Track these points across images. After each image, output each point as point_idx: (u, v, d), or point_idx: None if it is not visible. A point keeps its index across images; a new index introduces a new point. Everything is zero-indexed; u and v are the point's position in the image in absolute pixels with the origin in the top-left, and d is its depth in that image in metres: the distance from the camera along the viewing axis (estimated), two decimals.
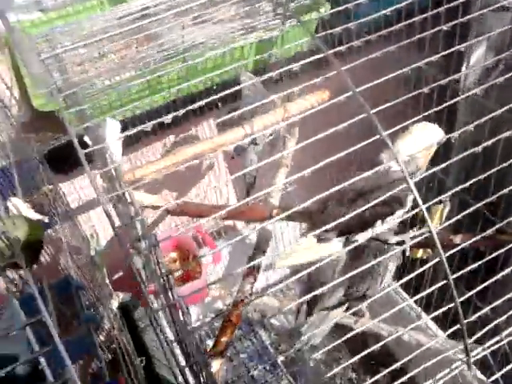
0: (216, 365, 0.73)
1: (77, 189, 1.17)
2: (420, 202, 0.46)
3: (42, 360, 0.38)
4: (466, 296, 0.47)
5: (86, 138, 0.68)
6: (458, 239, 0.69)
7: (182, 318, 0.42)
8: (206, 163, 1.26)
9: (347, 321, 0.97)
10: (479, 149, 0.50)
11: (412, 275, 0.53)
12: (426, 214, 0.46)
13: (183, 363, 0.48)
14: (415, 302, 1.03)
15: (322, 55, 0.52)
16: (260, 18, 0.98)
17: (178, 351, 0.50)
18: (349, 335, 0.54)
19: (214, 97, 0.75)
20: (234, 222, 1.28)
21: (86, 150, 0.47)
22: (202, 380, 0.56)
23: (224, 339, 0.76)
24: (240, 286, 0.83)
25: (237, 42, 0.96)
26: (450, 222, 0.51)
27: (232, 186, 1.35)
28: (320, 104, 0.55)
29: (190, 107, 0.63)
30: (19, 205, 0.52)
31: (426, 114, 0.59)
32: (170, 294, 0.45)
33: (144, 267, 0.76)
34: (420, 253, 0.89)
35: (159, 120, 0.58)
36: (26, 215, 0.51)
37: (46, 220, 0.57)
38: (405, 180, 0.45)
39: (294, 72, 0.99)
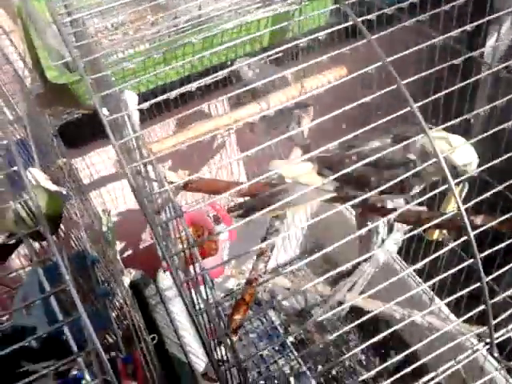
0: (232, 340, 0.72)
1: (88, 165, 1.16)
2: (451, 181, 0.45)
3: (66, 329, 0.38)
4: (496, 274, 0.45)
5: (104, 110, 0.66)
6: (479, 220, 0.67)
7: (206, 291, 0.42)
8: (218, 141, 1.25)
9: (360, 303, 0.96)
10: (510, 125, 0.48)
11: (434, 256, 0.52)
12: (455, 192, 0.45)
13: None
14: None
15: (349, 24, 0.50)
16: None
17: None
18: (362, 319, 0.53)
19: (227, 70, 0.73)
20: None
21: (111, 117, 0.45)
22: (223, 353, 0.56)
23: (237, 317, 0.76)
24: (254, 265, 0.82)
25: (253, 16, 0.94)
26: (472, 203, 0.50)
27: (243, 164, 1.34)
28: (338, 80, 0.53)
29: (203, 80, 0.62)
30: (38, 176, 0.51)
31: (450, 90, 0.57)
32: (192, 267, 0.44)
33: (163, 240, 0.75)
34: (436, 234, 0.87)
35: (174, 92, 0.56)
36: (45, 186, 0.49)
37: (64, 192, 0.56)
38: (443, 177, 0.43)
39: (311, 46, 0.98)
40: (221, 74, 0.75)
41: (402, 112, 0.45)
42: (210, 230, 0.78)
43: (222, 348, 0.68)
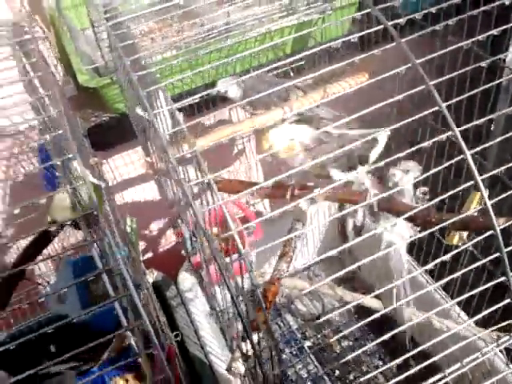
0: (256, 337, 0.73)
1: (112, 168, 1.19)
2: (477, 175, 0.46)
3: (117, 306, 0.40)
4: None
5: (138, 110, 0.69)
6: (501, 221, 0.68)
7: (248, 276, 0.43)
8: (237, 147, 1.27)
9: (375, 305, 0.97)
10: None
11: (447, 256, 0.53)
12: (482, 187, 0.46)
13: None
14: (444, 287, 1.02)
15: (379, 27, 0.52)
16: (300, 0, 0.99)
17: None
18: (374, 316, 0.54)
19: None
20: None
21: (158, 111, 0.47)
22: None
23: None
24: (276, 265, 0.84)
25: (276, 24, 0.97)
26: (496, 199, 0.51)
27: (261, 169, 1.36)
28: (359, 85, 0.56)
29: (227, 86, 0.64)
30: (80, 168, 0.53)
31: (472, 93, 0.59)
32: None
33: (191, 237, 0.78)
34: (456, 239, 0.88)
35: (195, 96, 0.59)
36: (86, 179, 0.52)
37: (103, 185, 0.58)
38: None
39: (331, 54, 1.00)
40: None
41: (430, 111, 0.47)
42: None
43: (248, 343, 0.70)
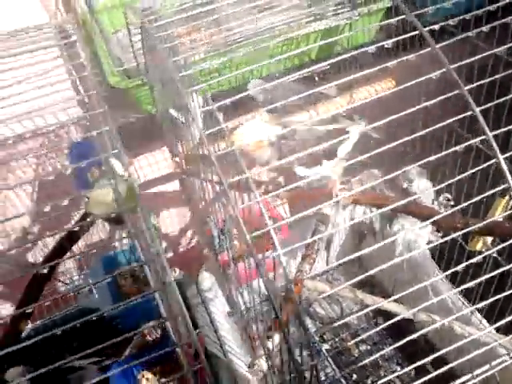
0: (278, 337, 0.74)
1: (136, 168, 1.21)
2: (510, 178, 0.47)
3: (157, 296, 0.41)
4: None
5: (172, 110, 0.71)
6: None
7: (281, 271, 0.45)
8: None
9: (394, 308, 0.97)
10: None
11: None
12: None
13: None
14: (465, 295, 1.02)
15: (414, 33, 0.53)
16: (328, 6, 1.00)
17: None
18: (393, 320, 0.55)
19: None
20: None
21: (206, 108, 0.49)
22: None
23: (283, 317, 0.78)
24: (299, 266, 0.85)
25: (304, 29, 0.98)
26: None
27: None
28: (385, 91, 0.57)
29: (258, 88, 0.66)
30: (116, 165, 0.55)
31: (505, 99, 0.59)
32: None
33: (219, 235, 0.79)
34: (479, 245, 0.89)
35: (236, 97, 0.60)
36: (123, 176, 0.54)
37: (138, 183, 0.60)
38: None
39: (358, 60, 1.01)
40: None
41: (463, 115, 0.48)
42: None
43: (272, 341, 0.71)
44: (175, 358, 0.56)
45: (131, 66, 1.03)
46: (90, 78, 0.66)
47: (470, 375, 0.54)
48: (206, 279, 1.15)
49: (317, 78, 1.12)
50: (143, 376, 0.67)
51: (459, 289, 0.96)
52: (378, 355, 1.15)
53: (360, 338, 0.99)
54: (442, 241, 0.70)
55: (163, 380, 0.73)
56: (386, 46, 0.58)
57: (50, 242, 1.10)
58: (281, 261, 0.44)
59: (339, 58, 0.66)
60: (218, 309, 1.12)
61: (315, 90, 0.67)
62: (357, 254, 0.58)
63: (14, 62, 0.77)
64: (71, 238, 0.70)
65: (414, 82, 0.60)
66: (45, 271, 0.69)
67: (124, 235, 1.11)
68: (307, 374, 0.56)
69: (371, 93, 0.91)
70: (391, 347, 0.67)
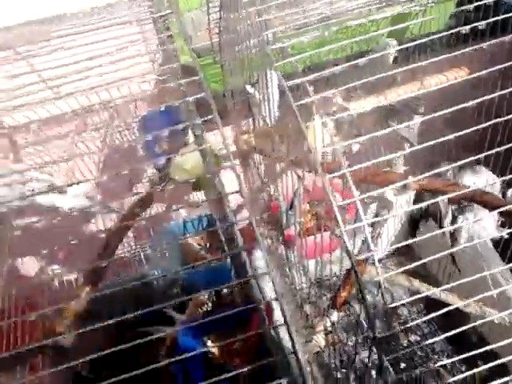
0: (337, 315, 0.76)
1: None
2: None
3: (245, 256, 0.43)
4: None
5: (248, 87, 0.73)
6: None
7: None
8: None
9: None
10: None
11: None
12: None
13: None
14: None
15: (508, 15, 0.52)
16: None
17: None
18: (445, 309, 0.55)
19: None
20: None
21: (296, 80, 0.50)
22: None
23: (344, 294, 0.79)
24: (359, 249, 0.85)
25: (374, 15, 0.98)
26: None
27: None
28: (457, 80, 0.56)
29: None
30: (199, 134, 0.57)
31: None
32: None
33: (287, 211, 0.81)
34: None
35: (325, 71, 0.61)
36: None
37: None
38: None
39: (430, 47, 1.00)
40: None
41: None
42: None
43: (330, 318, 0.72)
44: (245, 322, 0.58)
45: (201, 45, 1.06)
46: (170, 53, 0.68)
47: None
48: (260, 257, 1.17)
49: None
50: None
51: None
52: (427, 342, 1.15)
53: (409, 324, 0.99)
54: (508, 231, 0.69)
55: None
56: (462, 32, 0.57)
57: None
58: (360, 229, 0.45)
59: (411, 43, 0.66)
60: (269, 286, 1.14)
61: (393, 72, 0.67)
62: (413, 240, 0.59)
63: (100, 34, 0.80)
64: (143, 203, 0.73)
65: (488, 70, 0.58)
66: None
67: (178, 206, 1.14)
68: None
69: (442, 81, 0.90)
70: (440, 337, 0.66)
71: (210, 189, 0.56)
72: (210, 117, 0.54)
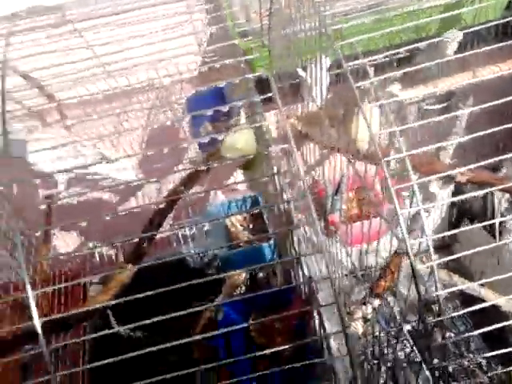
0: (376, 303, 0.75)
1: None
2: None
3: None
4: None
5: (300, 70, 0.73)
6: None
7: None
8: None
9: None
10: None
11: None
12: None
13: None
14: None
15: None
16: None
17: None
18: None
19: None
20: None
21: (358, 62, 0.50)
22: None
23: (383, 283, 0.79)
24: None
25: (425, 3, 0.96)
26: None
27: None
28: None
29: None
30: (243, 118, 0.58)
31: None
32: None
33: (333, 196, 0.81)
34: None
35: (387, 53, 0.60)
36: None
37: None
38: None
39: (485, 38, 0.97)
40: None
41: None
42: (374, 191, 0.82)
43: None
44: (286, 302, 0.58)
45: (250, 28, 1.06)
46: (220, 34, 0.68)
47: None
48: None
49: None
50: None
51: None
52: (458, 337, 1.13)
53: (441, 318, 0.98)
54: None
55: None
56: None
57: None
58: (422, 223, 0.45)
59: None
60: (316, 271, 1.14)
61: (446, 59, 0.65)
62: (456, 231, 0.58)
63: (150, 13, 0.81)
64: (192, 179, 0.74)
65: None
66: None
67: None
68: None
69: (495, 71, 0.88)
70: (474, 332, 0.65)
71: (260, 168, 0.57)
72: (269, 94, 0.54)
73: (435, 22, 1.03)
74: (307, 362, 0.52)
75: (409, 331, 1.16)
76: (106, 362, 0.48)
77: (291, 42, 0.76)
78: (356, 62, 0.51)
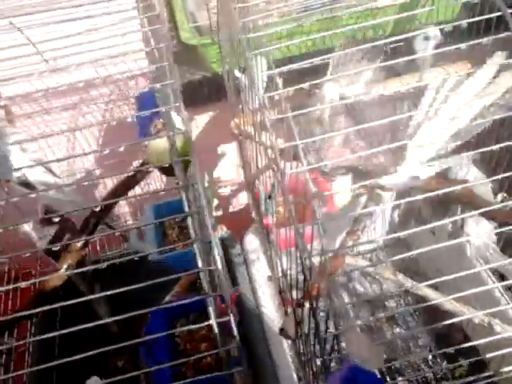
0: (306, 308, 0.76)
1: (198, 126, 1.24)
2: None
3: (196, 248, 0.44)
4: None
5: (236, 71, 0.72)
6: None
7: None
8: None
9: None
10: None
11: None
12: None
13: None
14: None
15: (496, 14, 0.50)
16: None
17: None
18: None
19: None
20: None
21: (267, 72, 0.50)
22: None
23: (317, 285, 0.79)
24: (342, 241, 0.85)
25: (383, 1, 0.95)
26: None
27: None
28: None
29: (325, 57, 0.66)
30: (175, 118, 0.57)
31: None
32: None
33: (266, 199, 0.81)
34: None
35: (302, 63, 0.60)
36: (180, 129, 0.56)
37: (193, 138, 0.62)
38: None
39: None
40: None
41: None
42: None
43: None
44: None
45: (204, 24, 1.05)
46: (162, 31, 0.67)
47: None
48: (252, 241, 1.18)
49: (389, 52, 1.08)
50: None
51: (504, 283, 0.93)
52: (407, 332, 1.15)
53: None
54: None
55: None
56: (462, 26, 0.55)
57: (110, 185, 1.17)
58: (319, 231, 0.45)
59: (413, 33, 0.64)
60: (259, 271, 1.15)
61: (388, 63, 0.65)
62: (403, 233, 0.58)
63: (93, 10, 0.80)
64: (129, 183, 0.74)
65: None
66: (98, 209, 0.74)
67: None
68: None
69: (442, 74, 0.88)
70: (421, 329, 0.66)
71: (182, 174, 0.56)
72: (176, 104, 0.54)
73: (391, 21, 1.03)
74: (226, 372, 0.53)
75: (360, 328, 1.18)
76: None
77: (232, 42, 0.75)
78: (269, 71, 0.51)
